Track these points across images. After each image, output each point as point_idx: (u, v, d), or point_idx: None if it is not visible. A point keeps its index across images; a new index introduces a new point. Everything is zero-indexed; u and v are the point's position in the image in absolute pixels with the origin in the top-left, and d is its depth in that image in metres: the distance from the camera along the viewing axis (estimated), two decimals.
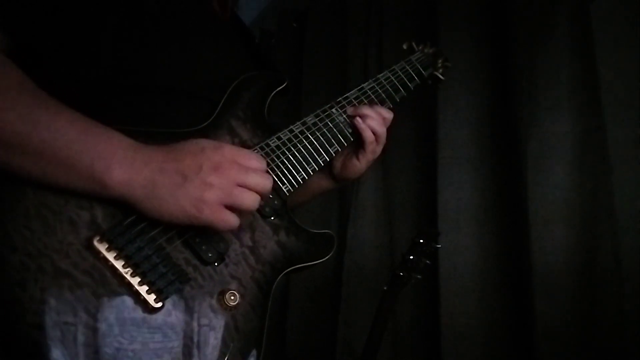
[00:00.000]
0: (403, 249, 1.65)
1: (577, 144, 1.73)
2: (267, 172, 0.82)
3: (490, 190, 1.95)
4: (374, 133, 1.05)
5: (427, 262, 1.63)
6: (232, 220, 0.75)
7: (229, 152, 0.76)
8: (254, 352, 0.81)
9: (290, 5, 2.97)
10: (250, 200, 0.76)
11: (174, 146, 0.76)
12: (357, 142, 1.06)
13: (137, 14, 0.86)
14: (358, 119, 1.03)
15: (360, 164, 1.09)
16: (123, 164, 0.71)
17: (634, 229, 1.63)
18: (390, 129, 1.09)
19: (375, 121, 1.04)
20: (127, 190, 0.71)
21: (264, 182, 0.78)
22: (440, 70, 1.29)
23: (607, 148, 1.67)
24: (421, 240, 1.61)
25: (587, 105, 1.72)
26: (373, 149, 1.07)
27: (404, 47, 1.29)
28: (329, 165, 1.09)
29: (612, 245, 1.63)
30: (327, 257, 0.92)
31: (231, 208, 0.75)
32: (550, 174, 1.76)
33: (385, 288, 1.63)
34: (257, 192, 0.77)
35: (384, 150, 1.11)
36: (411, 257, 1.60)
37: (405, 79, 1.17)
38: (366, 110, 1.05)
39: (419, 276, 1.61)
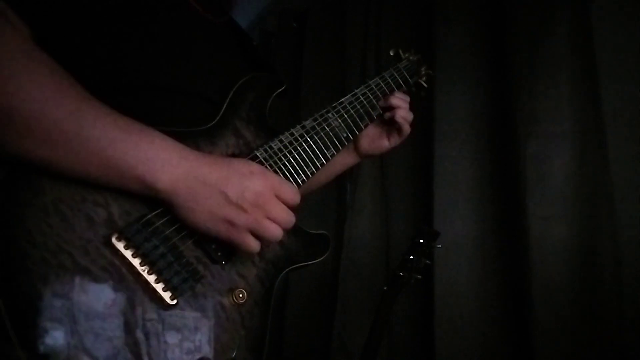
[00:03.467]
0: (400, 249, 1.65)
1: (577, 144, 1.74)
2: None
3: (488, 190, 1.96)
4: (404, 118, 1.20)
5: (427, 262, 1.63)
6: (254, 246, 0.79)
7: (272, 182, 0.81)
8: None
9: (290, 5, 2.97)
10: (275, 235, 0.80)
11: (223, 160, 0.80)
12: (389, 125, 1.22)
13: (138, 13, 0.86)
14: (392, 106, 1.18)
15: (390, 144, 1.25)
16: (169, 169, 0.73)
17: (634, 229, 1.64)
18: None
19: (404, 108, 1.21)
20: (169, 196, 0.73)
21: (291, 220, 0.82)
22: (424, 78, 1.34)
23: (607, 148, 1.68)
24: (421, 240, 1.61)
25: (587, 105, 1.73)
26: (407, 129, 1.22)
27: (391, 53, 1.33)
28: (354, 145, 1.23)
29: (612, 245, 1.64)
30: (323, 257, 0.96)
31: (256, 235, 0.79)
32: (550, 173, 1.77)
33: (385, 288, 1.62)
34: (282, 226, 0.81)
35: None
36: (411, 257, 1.60)
37: (394, 86, 1.21)
38: (395, 100, 1.19)
39: (419, 276, 1.60)
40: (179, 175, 0.73)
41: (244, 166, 0.80)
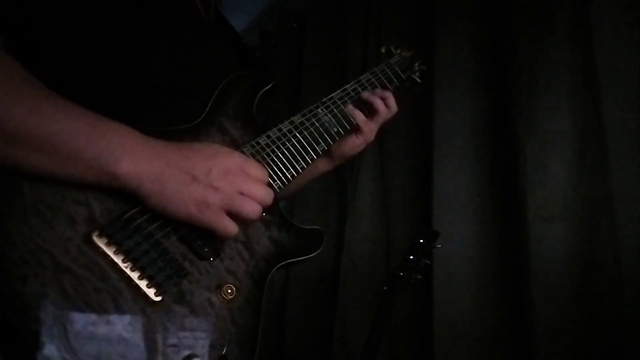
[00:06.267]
0: (400, 249, 1.64)
1: (577, 144, 1.73)
2: (270, 184, 0.85)
3: (488, 190, 1.95)
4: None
5: (427, 262, 1.62)
6: (231, 227, 0.77)
7: (238, 160, 0.80)
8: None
9: (290, 5, 2.97)
10: (251, 209, 0.79)
11: (186, 144, 0.78)
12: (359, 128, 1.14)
13: (132, 13, 0.86)
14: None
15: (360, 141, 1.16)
16: (132, 156, 0.72)
17: (634, 229, 1.63)
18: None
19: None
20: (136, 183, 0.72)
21: (266, 195, 0.81)
22: (417, 74, 1.33)
23: (607, 148, 1.67)
24: (421, 240, 1.60)
25: (587, 105, 1.72)
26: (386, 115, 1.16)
27: (382, 50, 1.33)
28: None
29: (612, 245, 1.64)
30: (317, 252, 0.94)
31: (232, 215, 0.77)
32: (550, 173, 1.76)
33: (385, 288, 1.62)
34: (259, 203, 0.79)
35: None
36: (411, 257, 1.59)
37: (385, 81, 1.21)
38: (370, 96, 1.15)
39: (419, 276, 1.60)
40: (141, 160, 0.72)
41: (208, 147, 0.80)
